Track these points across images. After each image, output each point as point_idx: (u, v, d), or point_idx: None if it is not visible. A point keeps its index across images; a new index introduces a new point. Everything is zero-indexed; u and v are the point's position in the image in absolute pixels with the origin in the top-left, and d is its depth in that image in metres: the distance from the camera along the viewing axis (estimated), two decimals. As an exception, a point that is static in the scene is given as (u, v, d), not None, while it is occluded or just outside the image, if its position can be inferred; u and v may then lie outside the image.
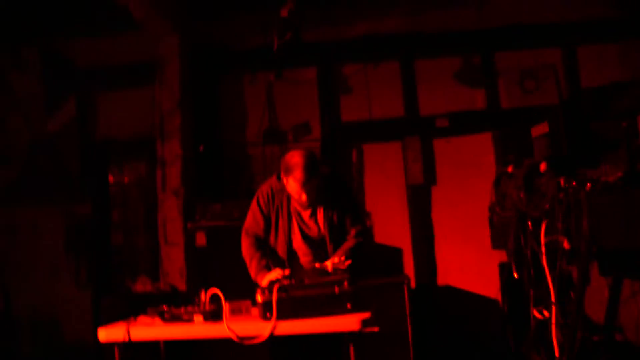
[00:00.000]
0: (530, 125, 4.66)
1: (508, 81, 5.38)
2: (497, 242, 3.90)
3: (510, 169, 3.62)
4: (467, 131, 5.37)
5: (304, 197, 3.03)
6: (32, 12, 5.08)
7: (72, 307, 5.31)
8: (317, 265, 3.00)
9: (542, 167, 3.28)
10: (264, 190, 3.23)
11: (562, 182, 3.03)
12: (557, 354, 3.10)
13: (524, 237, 3.35)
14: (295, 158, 3.01)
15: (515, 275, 3.42)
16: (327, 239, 3.16)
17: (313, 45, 5.37)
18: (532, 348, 3.47)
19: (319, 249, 3.19)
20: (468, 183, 5.26)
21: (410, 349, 4.41)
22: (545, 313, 3.26)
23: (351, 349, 2.73)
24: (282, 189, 3.16)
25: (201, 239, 4.69)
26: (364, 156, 5.50)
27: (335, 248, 3.14)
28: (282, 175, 3.07)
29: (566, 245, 2.97)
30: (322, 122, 5.52)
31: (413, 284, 5.09)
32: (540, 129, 4.25)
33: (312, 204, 3.13)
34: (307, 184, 2.99)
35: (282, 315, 2.75)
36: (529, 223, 3.30)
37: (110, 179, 5.66)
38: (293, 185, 3.02)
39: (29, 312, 5.21)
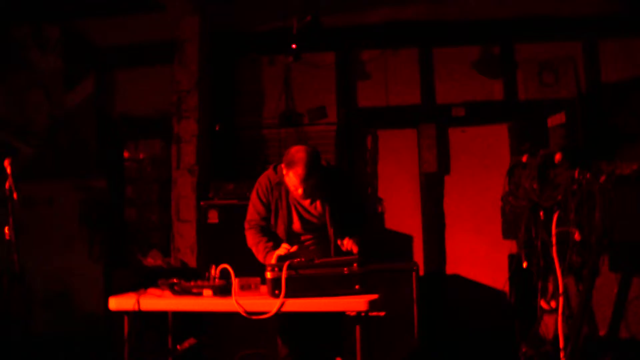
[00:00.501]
0: (547, 118, 4.62)
1: (526, 73, 5.32)
2: (508, 232, 3.88)
3: (524, 158, 3.59)
4: (483, 121, 5.34)
5: (300, 191, 3.08)
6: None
7: (85, 279, 5.41)
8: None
9: (557, 157, 3.26)
10: (262, 182, 3.29)
11: (576, 174, 3.01)
12: (561, 345, 3.11)
13: (535, 227, 3.34)
14: (300, 154, 3.06)
15: (524, 265, 3.42)
16: (328, 223, 3.22)
17: (332, 30, 5.35)
18: (535, 339, 3.47)
19: (319, 233, 3.26)
20: (482, 173, 5.25)
21: (415, 334, 4.43)
22: (552, 304, 3.26)
23: (357, 330, 2.75)
24: (280, 181, 3.21)
25: (213, 217, 4.73)
26: (379, 142, 5.50)
27: (336, 232, 3.19)
28: (284, 167, 3.10)
29: (577, 237, 2.96)
30: (339, 106, 5.52)
31: (422, 272, 5.10)
32: (556, 119, 4.23)
33: (309, 197, 3.18)
34: (306, 180, 3.04)
35: (290, 293, 2.78)
36: (541, 214, 3.29)
37: (126, 154, 5.71)
38: (292, 178, 3.06)
39: (43, 282, 5.31)
